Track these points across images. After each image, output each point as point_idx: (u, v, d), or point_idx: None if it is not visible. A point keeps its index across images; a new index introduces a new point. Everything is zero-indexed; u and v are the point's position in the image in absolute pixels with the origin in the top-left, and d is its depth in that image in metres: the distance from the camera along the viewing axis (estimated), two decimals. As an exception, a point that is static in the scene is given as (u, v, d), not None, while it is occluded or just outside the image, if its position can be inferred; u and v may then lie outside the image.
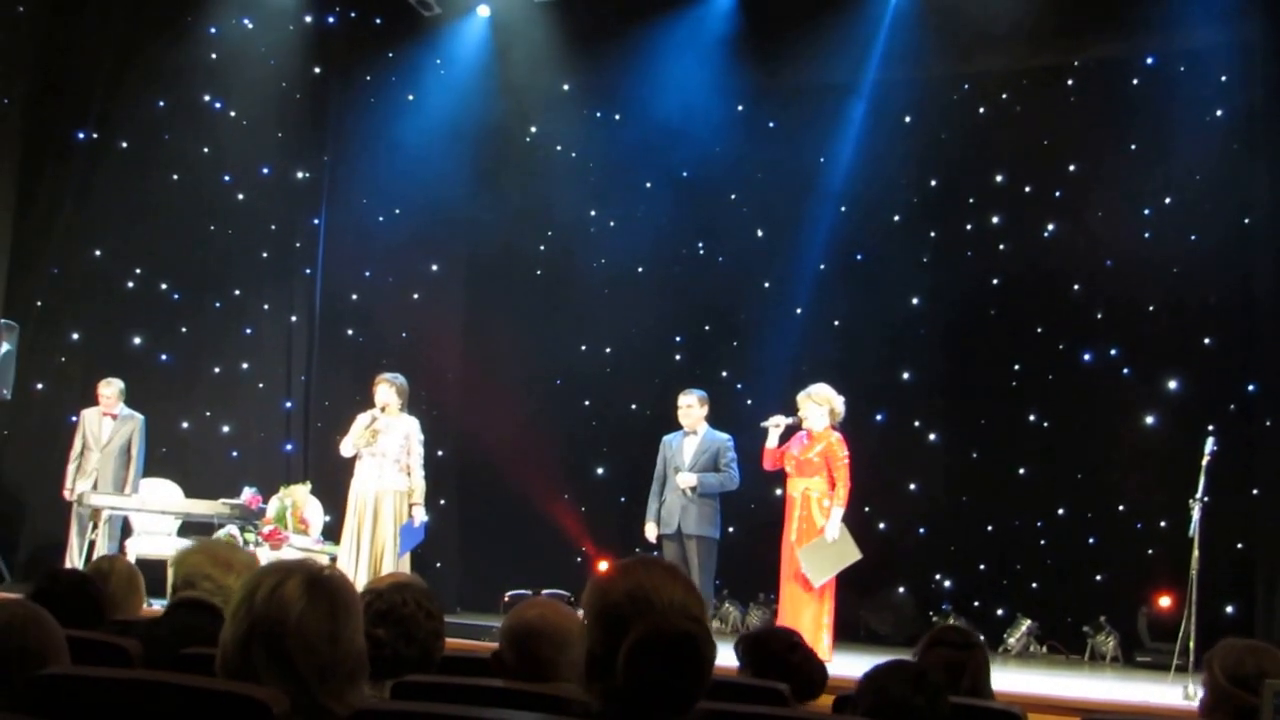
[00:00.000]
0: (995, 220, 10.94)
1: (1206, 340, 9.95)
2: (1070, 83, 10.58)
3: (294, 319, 11.18)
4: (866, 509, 9.48)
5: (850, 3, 10.40)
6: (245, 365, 11.02)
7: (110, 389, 9.29)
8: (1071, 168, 10.63)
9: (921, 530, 10.83)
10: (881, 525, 10.54)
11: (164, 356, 10.76)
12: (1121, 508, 10.05)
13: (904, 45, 10.35)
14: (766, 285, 11.45)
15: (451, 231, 11.43)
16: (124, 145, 10.64)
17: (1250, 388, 9.53)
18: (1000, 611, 10.25)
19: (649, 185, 11.42)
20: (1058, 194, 10.68)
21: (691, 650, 1.89)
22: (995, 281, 10.84)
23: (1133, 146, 10.24)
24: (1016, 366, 10.69)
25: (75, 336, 10.49)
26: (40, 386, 10.33)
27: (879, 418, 10.78)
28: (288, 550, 8.76)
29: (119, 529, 9.18)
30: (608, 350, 11.62)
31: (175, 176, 10.68)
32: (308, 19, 11.09)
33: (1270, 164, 9.12)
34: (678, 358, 11.47)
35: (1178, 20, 9.53)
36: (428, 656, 2.82)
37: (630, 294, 11.31)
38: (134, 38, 10.54)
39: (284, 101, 10.98)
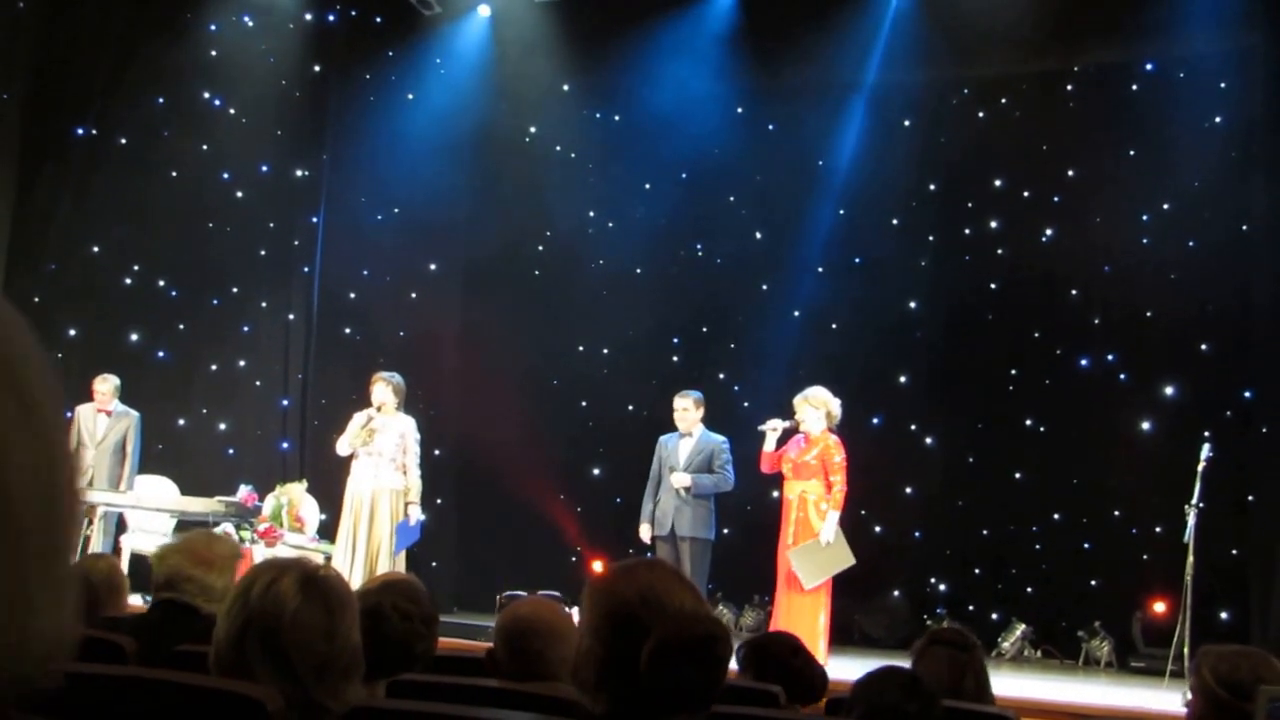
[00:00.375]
0: (994, 224, 10.95)
1: (1203, 347, 9.96)
2: (1070, 88, 10.60)
3: (292, 317, 11.17)
4: (862, 512, 9.50)
5: (851, 5, 10.41)
6: (242, 363, 11.01)
7: (106, 385, 9.27)
8: (1070, 173, 10.64)
9: (917, 533, 10.84)
10: (877, 528, 10.55)
11: (161, 354, 10.76)
12: (1117, 513, 10.06)
13: (904, 48, 10.36)
14: (764, 287, 11.46)
15: (450, 231, 11.44)
16: (123, 142, 10.63)
17: (1246, 394, 9.54)
18: (995, 616, 10.26)
19: (648, 186, 11.43)
20: (1056, 199, 10.69)
21: (716, 651, 1.91)
22: (993, 286, 10.85)
23: (1131, 152, 10.26)
24: (1013, 371, 10.70)
25: (72, 333, 10.48)
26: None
27: (876, 421, 10.78)
28: (282, 548, 8.76)
29: (114, 526, 9.17)
30: (605, 351, 11.63)
31: (174, 174, 10.67)
32: (308, 17, 11.09)
33: (1268, 172, 9.14)
34: (675, 359, 11.47)
35: (1178, 27, 9.54)
36: (408, 656, 2.81)
37: (628, 295, 11.31)
38: (133, 35, 10.54)
39: (283, 100, 10.98)
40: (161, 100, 10.71)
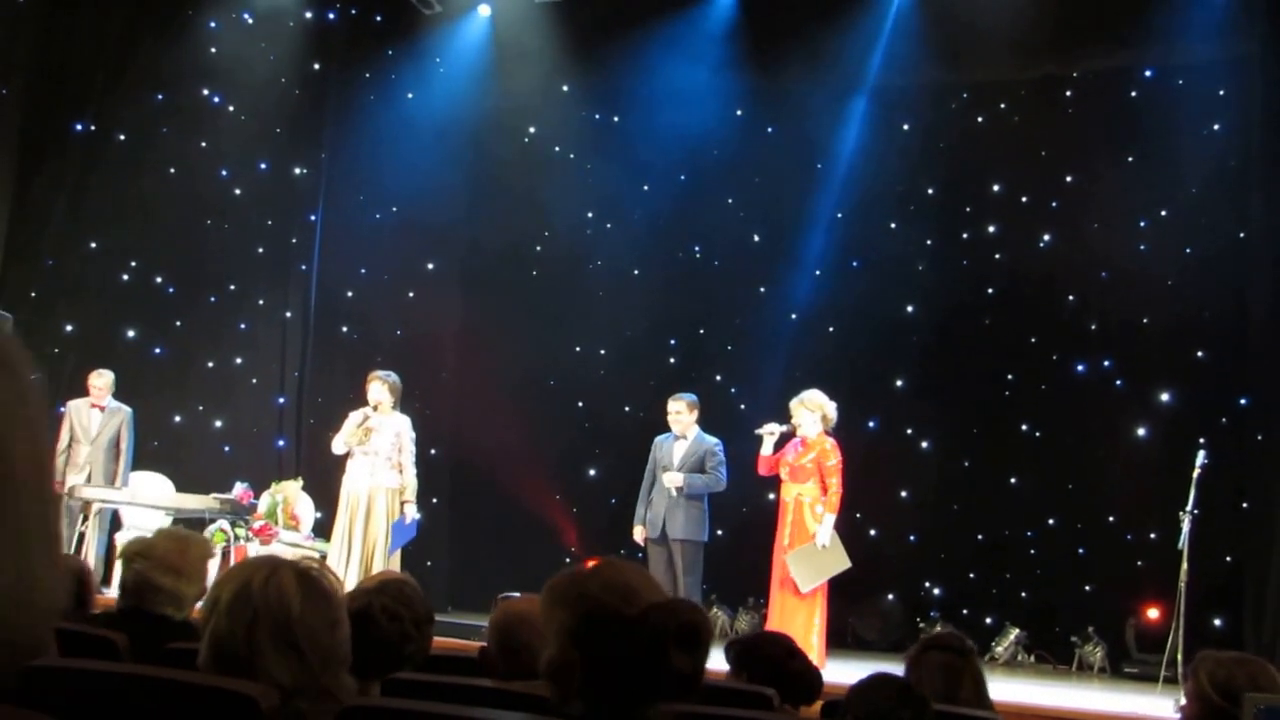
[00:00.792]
0: (991, 229, 10.97)
1: (1199, 353, 9.98)
2: (1069, 94, 10.61)
3: (289, 315, 11.18)
4: (857, 515, 9.50)
5: (851, 9, 10.42)
6: (239, 360, 11.01)
7: (101, 380, 9.26)
8: (1068, 179, 10.66)
9: (912, 537, 10.85)
10: (872, 532, 10.56)
11: (158, 350, 10.75)
12: (1112, 519, 10.07)
13: (903, 53, 10.37)
14: (762, 289, 11.47)
15: (448, 231, 11.43)
16: (122, 138, 10.63)
17: (1242, 401, 9.56)
18: (989, 620, 10.27)
19: (646, 188, 11.43)
20: (1054, 204, 10.71)
21: (701, 636, 1.92)
22: (990, 291, 10.87)
23: (1130, 159, 10.28)
24: (1010, 376, 10.71)
25: (69, 328, 10.47)
26: (33, 378, 10.28)
27: (871, 424, 10.79)
28: (278, 546, 8.76)
29: (108, 522, 9.16)
30: (602, 352, 11.63)
31: (172, 170, 10.67)
32: (308, 15, 11.09)
33: (1266, 179, 9.14)
34: (672, 360, 11.48)
35: (1177, 34, 9.55)
36: (396, 657, 2.82)
37: (626, 295, 11.32)
38: (133, 31, 10.54)
39: (283, 97, 10.97)
40: (161, 97, 10.70)
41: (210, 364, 10.89)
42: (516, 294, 11.50)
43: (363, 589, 2.92)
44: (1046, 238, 10.72)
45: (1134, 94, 10.33)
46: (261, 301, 11.14)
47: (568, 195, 11.31)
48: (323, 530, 9.06)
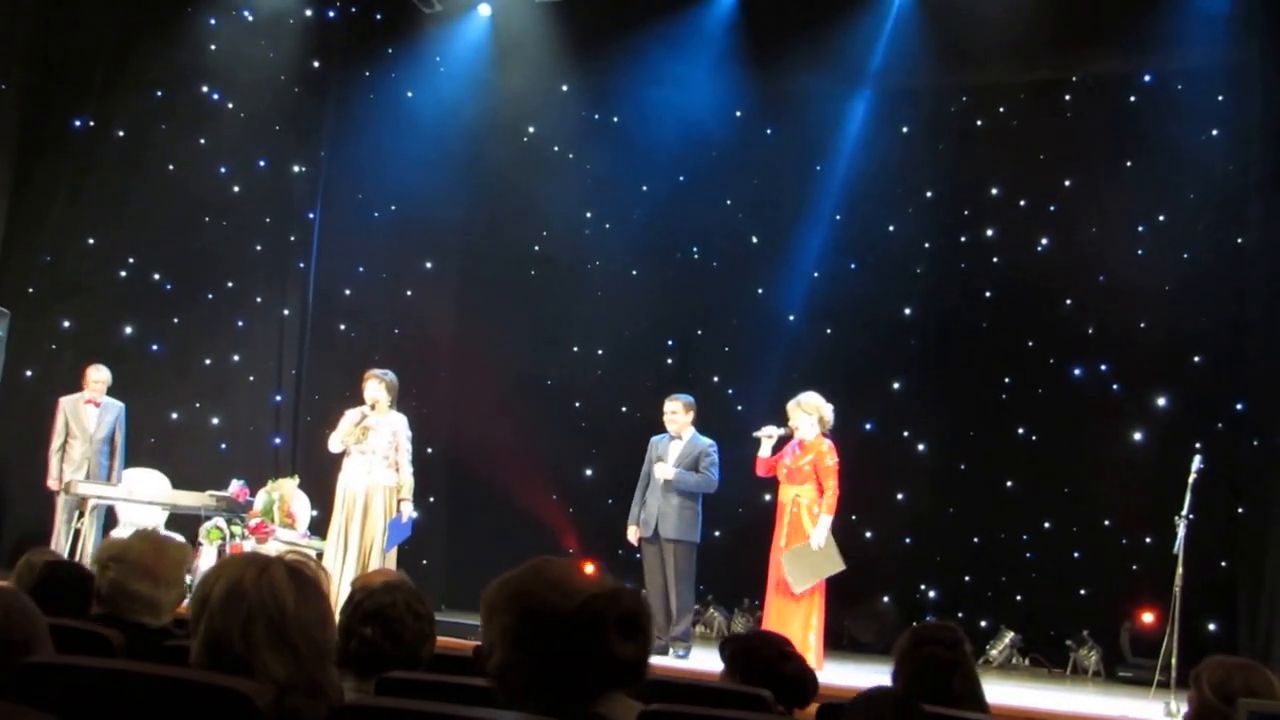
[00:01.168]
0: (989, 233, 10.97)
1: (1196, 358, 9.98)
2: (1068, 98, 10.61)
3: (286, 312, 11.16)
4: (853, 517, 9.50)
5: (851, 11, 10.43)
6: (236, 357, 11.00)
7: (100, 374, 9.22)
8: (1067, 183, 10.66)
9: (907, 540, 10.85)
10: (868, 534, 10.56)
11: (155, 346, 10.75)
12: (1107, 523, 10.08)
13: (903, 55, 10.39)
14: (760, 291, 11.47)
15: (446, 229, 11.43)
16: (120, 135, 10.62)
17: (1238, 406, 9.56)
18: (984, 623, 10.26)
19: (645, 188, 11.43)
20: (1052, 209, 10.71)
21: (641, 622, 1.93)
22: (988, 294, 10.87)
23: (1128, 164, 10.28)
24: (1007, 379, 10.71)
25: (66, 324, 10.47)
26: (30, 374, 10.30)
27: (868, 427, 10.79)
28: (274, 544, 8.75)
29: (103, 519, 9.14)
30: (599, 352, 11.63)
31: (171, 167, 10.66)
32: (308, 13, 11.09)
33: (1264, 185, 9.15)
34: (669, 361, 11.48)
35: (1177, 39, 9.57)
36: (414, 656, 2.84)
37: (623, 296, 11.32)
38: (133, 28, 10.54)
39: (282, 95, 10.97)
40: (160, 94, 10.70)
41: (207, 361, 10.88)
42: (514, 293, 11.50)
43: (373, 587, 2.91)
44: (1044, 241, 10.73)
45: (1133, 99, 10.33)
46: (259, 299, 11.13)
47: (566, 195, 11.31)
48: (319, 528, 9.05)
